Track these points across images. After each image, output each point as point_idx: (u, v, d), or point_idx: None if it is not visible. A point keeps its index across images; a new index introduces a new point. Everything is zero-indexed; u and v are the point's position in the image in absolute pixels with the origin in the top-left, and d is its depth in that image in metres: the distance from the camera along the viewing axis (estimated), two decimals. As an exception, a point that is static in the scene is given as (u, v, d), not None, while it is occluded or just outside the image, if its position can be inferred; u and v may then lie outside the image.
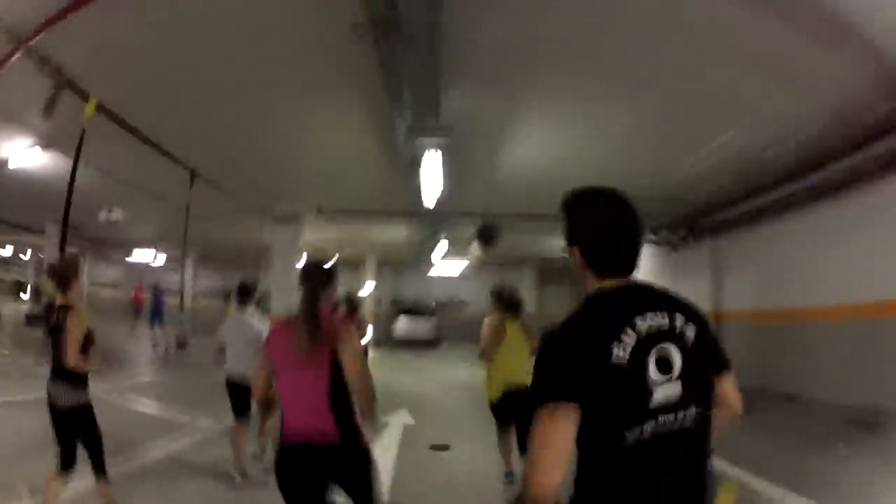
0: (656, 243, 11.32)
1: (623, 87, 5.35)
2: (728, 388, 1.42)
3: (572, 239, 1.39)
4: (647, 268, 11.46)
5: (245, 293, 4.80)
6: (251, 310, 4.81)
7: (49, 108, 5.00)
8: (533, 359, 1.29)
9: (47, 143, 7.40)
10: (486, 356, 4.20)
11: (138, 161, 7.49)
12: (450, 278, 19.95)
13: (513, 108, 6.03)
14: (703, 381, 1.31)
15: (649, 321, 1.24)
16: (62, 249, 5.66)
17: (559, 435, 1.15)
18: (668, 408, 1.21)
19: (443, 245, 13.31)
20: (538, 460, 1.15)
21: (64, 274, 3.21)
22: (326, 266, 2.40)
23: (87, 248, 19.61)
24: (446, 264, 17.12)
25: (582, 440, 1.18)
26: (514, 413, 4.11)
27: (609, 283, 1.33)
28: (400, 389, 9.31)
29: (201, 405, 6.81)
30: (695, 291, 9.42)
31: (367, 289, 19.01)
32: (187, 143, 7.11)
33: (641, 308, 1.26)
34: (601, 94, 5.56)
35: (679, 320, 1.28)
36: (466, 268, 17.78)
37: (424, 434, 6.17)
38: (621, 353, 1.19)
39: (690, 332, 1.28)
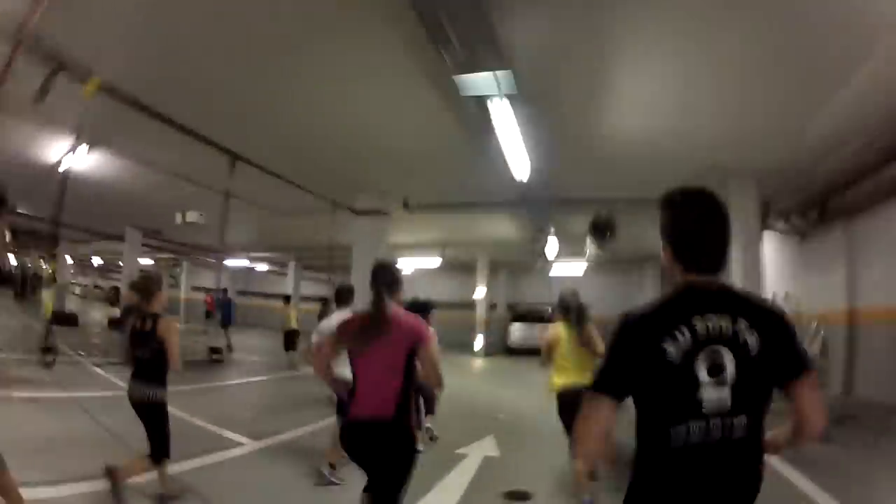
0: (782, 232, 9.29)
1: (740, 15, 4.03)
2: (804, 397, 1.36)
3: (663, 235, 1.45)
4: (773, 261, 9.85)
5: (344, 296, 4.97)
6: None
7: (43, 91, 4.84)
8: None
9: (91, 141, 7.31)
10: (544, 362, 4.39)
11: (208, 161, 7.24)
12: (570, 280, 18.57)
13: (599, 51, 4.61)
14: (759, 391, 1.32)
15: (708, 322, 1.29)
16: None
17: (594, 419, 1.30)
18: (716, 413, 1.26)
19: (552, 242, 11.60)
20: (579, 434, 1.33)
21: (146, 287, 3.64)
22: (392, 268, 2.73)
23: (181, 253, 21.19)
24: (565, 265, 15.76)
25: (637, 433, 1.33)
26: (568, 415, 4.10)
27: (689, 280, 1.39)
28: (494, 407, 8.30)
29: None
30: (827, 286, 8.28)
31: (479, 293, 17.96)
32: (242, 132, 6.63)
33: (704, 308, 1.31)
34: (712, 28, 4.22)
35: (742, 325, 1.30)
36: (587, 269, 16.20)
37: (507, 471, 4.93)
38: (673, 351, 1.26)
39: (753, 339, 1.29)
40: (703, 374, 1.27)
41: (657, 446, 1.30)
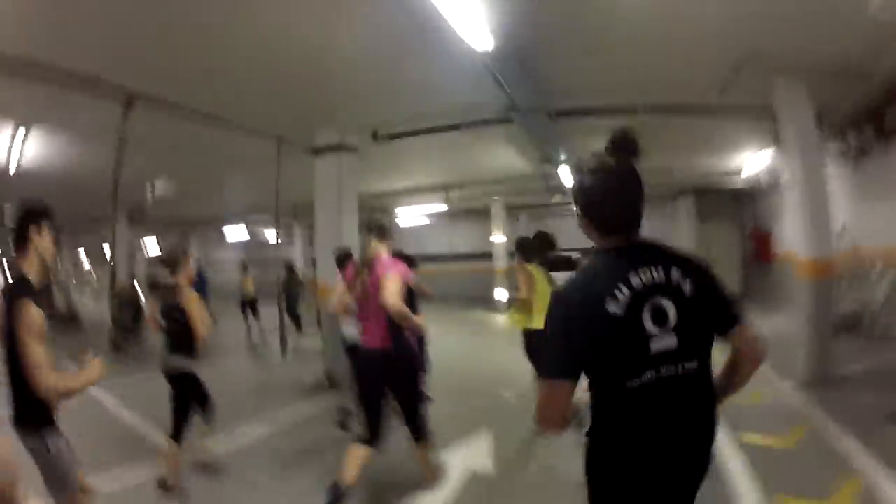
0: (836, 151, 7.56)
1: None
2: (745, 340, 1.48)
3: (577, 204, 1.50)
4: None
5: (343, 261, 5.10)
6: None
7: None
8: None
9: (25, 121, 6.45)
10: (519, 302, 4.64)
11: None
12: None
13: None
14: (703, 334, 1.42)
15: (643, 276, 1.37)
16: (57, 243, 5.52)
17: (556, 401, 1.38)
18: (666, 358, 1.36)
19: (565, 173, 9.76)
20: (541, 416, 1.41)
21: (173, 260, 3.75)
22: (380, 219, 3.38)
23: (189, 230, 20.81)
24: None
25: (593, 386, 1.41)
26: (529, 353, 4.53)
27: (611, 243, 1.44)
28: (503, 379, 6.53)
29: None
30: (892, 219, 6.45)
31: (496, 240, 16.11)
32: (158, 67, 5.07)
33: (636, 264, 1.39)
34: None
35: (675, 274, 1.39)
36: None
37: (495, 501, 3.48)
38: (615, 309, 1.34)
39: (687, 286, 1.39)
40: (648, 324, 1.35)
41: (614, 393, 1.37)
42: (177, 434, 3.67)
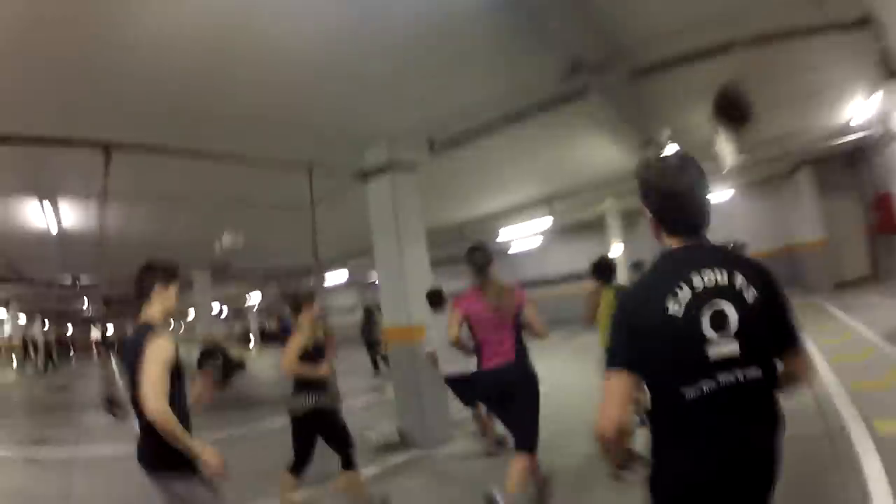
0: None
1: None
2: (798, 365, 1.49)
3: (644, 203, 1.53)
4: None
5: (436, 299, 5.41)
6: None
7: None
8: None
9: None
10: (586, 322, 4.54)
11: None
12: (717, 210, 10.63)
13: None
14: (764, 342, 1.39)
15: (706, 277, 1.38)
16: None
17: (615, 393, 1.38)
18: (726, 365, 1.33)
19: (674, 149, 6.64)
20: (601, 408, 1.39)
21: (297, 301, 3.85)
22: (485, 250, 3.53)
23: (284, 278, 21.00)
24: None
25: (652, 395, 1.42)
26: None
27: (677, 243, 1.47)
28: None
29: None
30: None
31: (614, 251, 13.41)
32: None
33: (699, 265, 1.40)
34: None
35: (739, 279, 1.38)
36: (733, 191, 12.48)
37: None
38: (676, 307, 1.36)
39: (750, 293, 1.38)
40: (707, 328, 1.34)
41: (671, 401, 1.36)
42: (297, 469, 3.69)
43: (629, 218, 13.63)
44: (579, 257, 15.30)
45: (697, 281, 1.36)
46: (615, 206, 13.42)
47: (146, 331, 2.31)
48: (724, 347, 1.32)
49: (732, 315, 1.34)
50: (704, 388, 1.31)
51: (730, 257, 1.44)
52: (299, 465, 3.68)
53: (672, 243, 1.48)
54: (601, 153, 8.23)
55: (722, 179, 10.82)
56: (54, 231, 8.04)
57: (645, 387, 1.42)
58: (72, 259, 10.45)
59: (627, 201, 12.61)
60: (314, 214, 5.68)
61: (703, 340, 1.33)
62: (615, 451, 1.42)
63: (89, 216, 7.55)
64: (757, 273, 1.41)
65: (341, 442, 3.73)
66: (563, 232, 15.86)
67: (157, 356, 2.19)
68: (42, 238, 8.54)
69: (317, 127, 5.50)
